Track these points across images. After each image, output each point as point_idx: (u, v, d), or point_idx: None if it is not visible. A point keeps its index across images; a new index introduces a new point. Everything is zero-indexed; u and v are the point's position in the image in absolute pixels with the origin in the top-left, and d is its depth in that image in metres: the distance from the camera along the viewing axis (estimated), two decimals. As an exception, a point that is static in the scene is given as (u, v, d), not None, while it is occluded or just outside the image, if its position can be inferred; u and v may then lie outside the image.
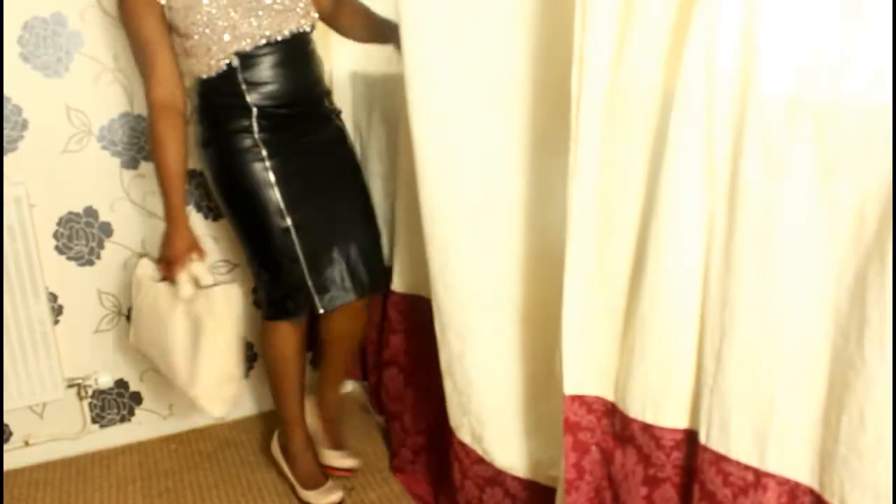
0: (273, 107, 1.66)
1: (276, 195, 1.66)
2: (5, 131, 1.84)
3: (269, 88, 1.65)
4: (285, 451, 1.93)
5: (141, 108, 1.95)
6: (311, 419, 2.00)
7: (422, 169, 1.45)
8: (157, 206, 2.02)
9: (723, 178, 0.98)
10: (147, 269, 1.77)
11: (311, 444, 1.92)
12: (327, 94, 1.79)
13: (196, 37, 1.59)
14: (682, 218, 1.03)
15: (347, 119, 1.99)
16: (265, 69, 1.64)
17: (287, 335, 1.79)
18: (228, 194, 1.71)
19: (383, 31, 1.79)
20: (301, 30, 1.66)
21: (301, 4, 1.66)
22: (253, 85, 1.64)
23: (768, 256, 0.94)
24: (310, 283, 1.69)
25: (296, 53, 1.67)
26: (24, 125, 1.86)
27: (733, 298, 0.98)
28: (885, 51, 0.80)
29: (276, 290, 1.72)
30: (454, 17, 1.36)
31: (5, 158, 1.86)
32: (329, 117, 1.78)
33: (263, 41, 1.61)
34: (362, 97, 1.98)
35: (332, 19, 1.86)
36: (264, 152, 1.65)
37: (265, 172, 1.65)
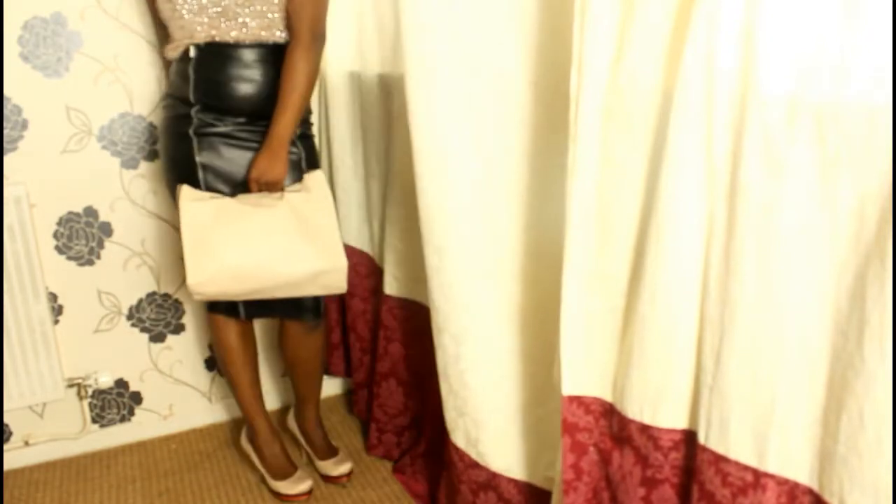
0: (211, 108, 1.67)
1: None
2: (5, 131, 1.84)
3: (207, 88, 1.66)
4: (252, 443, 1.96)
5: (141, 108, 1.95)
6: (294, 428, 2.05)
7: (420, 169, 1.45)
8: (157, 205, 2.02)
9: (723, 178, 0.98)
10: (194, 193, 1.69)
11: (277, 434, 1.94)
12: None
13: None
14: (681, 218, 1.03)
15: (343, 120, 1.99)
16: (205, 68, 1.64)
17: (223, 326, 1.84)
18: None
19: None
20: (233, 41, 1.63)
21: (246, 15, 1.61)
22: (199, 80, 1.65)
23: (768, 256, 0.94)
24: None
25: (225, 61, 1.64)
26: (24, 125, 1.86)
27: (733, 298, 0.98)
28: (886, 51, 0.80)
29: None
30: (456, 17, 1.36)
31: (5, 158, 1.86)
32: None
33: (203, 42, 1.63)
34: (358, 98, 1.98)
35: None
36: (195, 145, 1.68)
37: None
